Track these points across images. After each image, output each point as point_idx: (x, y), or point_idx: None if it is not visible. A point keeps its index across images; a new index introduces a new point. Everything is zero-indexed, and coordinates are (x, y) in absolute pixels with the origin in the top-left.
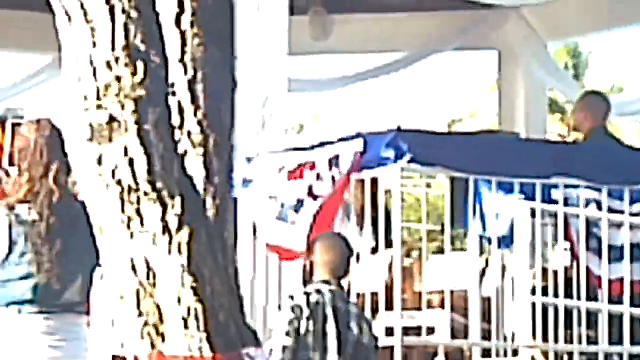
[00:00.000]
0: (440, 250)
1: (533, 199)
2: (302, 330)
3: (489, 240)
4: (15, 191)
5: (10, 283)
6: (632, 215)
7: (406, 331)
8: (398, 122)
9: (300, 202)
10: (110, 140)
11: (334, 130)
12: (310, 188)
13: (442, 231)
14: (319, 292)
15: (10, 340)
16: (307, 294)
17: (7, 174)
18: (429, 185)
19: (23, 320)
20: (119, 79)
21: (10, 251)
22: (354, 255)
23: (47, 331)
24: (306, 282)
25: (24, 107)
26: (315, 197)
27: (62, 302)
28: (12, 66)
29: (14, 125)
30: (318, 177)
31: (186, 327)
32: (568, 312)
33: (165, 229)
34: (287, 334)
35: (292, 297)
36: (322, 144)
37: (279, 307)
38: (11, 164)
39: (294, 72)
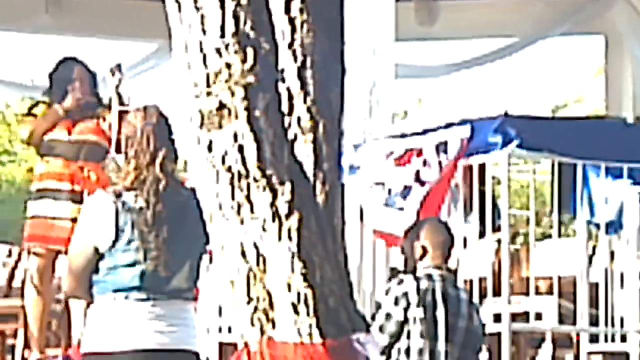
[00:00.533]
0: (545, 236)
1: None
2: (410, 317)
3: (597, 226)
4: (122, 179)
5: (117, 269)
6: None
7: (513, 317)
8: (501, 108)
9: (407, 188)
10: (220, 126)
11: (438, 116)
12: (418, 174)
13: (549, 216)
14: (429, 277)
15: (118, 326)
16: (417, 279)
17: (116, 163)
18: (534, 171)
19: (130, 307)
20: (228, 65)
21: (117, 238)
22: (455, 243)
23: (155, 317)
24: (407, 266)
25: (129, 94)
26: (422, 183)
27: (169, 289)
28: (117, 54)
29: (120, 113)
30: (425, 163)
31: (296, 312)
32: None
33: (275, 215)
34: (395, 321)
35: (401, 282)
36: (429, 130)
37: (386, 293)
38: (118, 151)
39: (399, 58)
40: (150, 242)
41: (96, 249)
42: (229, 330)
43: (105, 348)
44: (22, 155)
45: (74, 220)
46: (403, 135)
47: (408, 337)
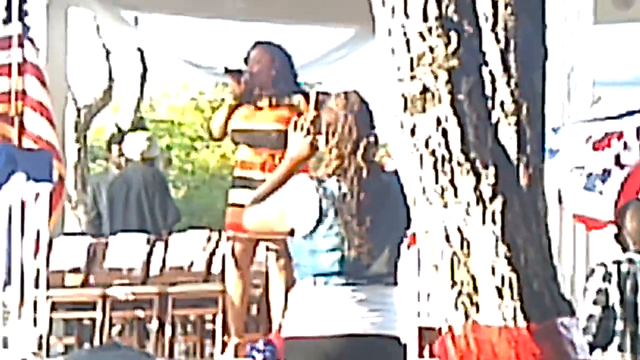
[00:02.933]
0: None
1: None
2: (611, 300)
3: None
4: (324, 166)
5: (317, 254)
6: None
7: None
8: None
9: (607, 172)
10: (424, 110)
11: (634, 99)
12: (618, 157)
13: None
14: (630, 261)
15: (319, 311)
16: (618, 263)
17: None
18: None
19: (331, 292)
20: (432, 49)
21: (319, 223)
22: None
23: (356, 302)
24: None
25: (321, 80)
26: (622, 167)
27: (370, 274)
28: (312, 40)
29: (318, 94)
30: (625, 146)
31: (500, 296)
32: None
33: (479, 198)
34: (594, 302)
35: (603, 265)
36: (627, 113)
37: (586, 277)
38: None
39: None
40: (354, 230)
41: (292, 232)
42: (428, 314)
43: (306, 333)
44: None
45: None
46: (603, 119)
47: (609, 319)
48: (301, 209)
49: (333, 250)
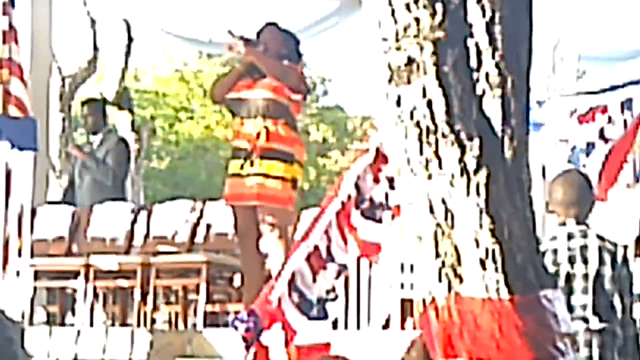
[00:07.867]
0: None
1: None
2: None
3: None
4: None
5: None
6: None
7: None
8: None
9: (591, 145)
10: (409, 81)
11: (622, 74)
12: (602, 131)
13: None
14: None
15: None
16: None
17: None
18: None
19: None
20: (417, 20)
21: None
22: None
23: None
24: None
25: (306, 51)
26: (606, 140)
27: None
28: (299, 11)
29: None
30: (609, 120)
31: (484, 268)
32: None
33: (463, 170)
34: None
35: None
36: (614, 87)
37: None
38: None
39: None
40: None
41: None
42: (412, 286)
43: None
44: (199, 112)
45: (260, 175)
46: (588, 93)
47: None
48: None
49: None
